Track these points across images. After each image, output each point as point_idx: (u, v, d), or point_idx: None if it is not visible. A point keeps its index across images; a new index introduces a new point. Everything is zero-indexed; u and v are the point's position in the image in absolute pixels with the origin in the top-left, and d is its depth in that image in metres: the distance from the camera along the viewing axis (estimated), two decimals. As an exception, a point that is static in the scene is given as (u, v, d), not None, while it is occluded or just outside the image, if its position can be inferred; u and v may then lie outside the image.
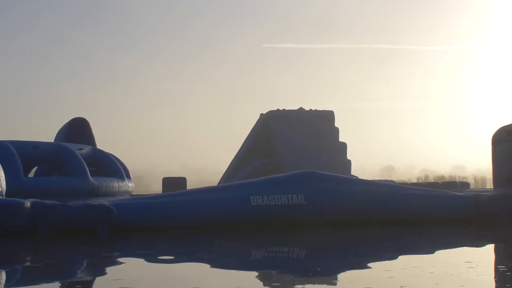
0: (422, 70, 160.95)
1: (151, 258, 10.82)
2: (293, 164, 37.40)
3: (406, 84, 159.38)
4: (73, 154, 23.58)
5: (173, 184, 32.08)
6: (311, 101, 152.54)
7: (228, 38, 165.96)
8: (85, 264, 10.46)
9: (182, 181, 33.76)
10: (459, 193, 18.25)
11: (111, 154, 26.36)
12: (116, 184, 24.86)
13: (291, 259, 11.26)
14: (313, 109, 40.55)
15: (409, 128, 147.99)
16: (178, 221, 16.15)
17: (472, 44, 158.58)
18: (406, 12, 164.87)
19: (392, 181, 33.05)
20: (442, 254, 10.90)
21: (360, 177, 39.46)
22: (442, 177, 57.88)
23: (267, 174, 26.70)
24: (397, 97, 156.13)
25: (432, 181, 47.54)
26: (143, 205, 16.44)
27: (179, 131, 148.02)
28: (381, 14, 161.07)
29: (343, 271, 9.23)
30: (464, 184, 29.18)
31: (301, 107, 40.40)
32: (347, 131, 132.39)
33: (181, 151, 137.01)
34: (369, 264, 9.47)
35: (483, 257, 10.60)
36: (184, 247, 13.30)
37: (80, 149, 24.63)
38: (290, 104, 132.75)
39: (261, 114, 40.41)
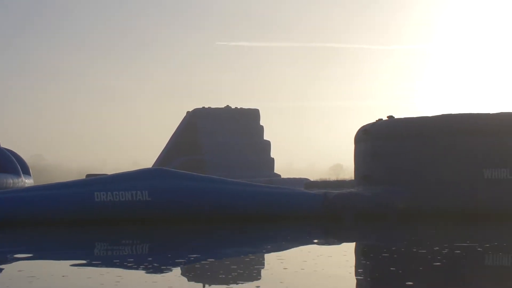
0: (370, 69, 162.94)
1: None
2: (217, 161, 37.86)
3: (352, 83, 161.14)
4: (-37, 150, 23.73)
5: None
6: (257, 99, 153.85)
7: (182, 36, 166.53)
8: None
9: (104, 177, 33.82)
10: (309, 191, 18.48)
11: (8, 150, 26.50)
12: (10, 181, 24.99)
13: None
14: (238, 107, 41.00)
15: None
16: (22, 216, 16.31)
17: (418, 44, 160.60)
18: (356, 11, 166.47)
19: (306, 179, 33.34)
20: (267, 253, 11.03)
21: (305, 176, 40.02)
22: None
23: (191, 171, 26.97)
24: (344, 96, 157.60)
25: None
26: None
27: (130, 129, 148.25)
28: (332, 13, 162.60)
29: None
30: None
31: (227, 105, 40.75)
32: (293, 130, 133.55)
33: (132, 148, 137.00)
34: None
35: (294, 255, 10.64)
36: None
37: (-27, 145, 24.79)
38: (237, 101, 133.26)
39: (188, 112, 40.80)
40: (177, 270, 8.44)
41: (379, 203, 17.25)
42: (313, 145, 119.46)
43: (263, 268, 8.49)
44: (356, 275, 7.71)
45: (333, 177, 58.22)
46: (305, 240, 13.30)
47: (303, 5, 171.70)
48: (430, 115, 17.99)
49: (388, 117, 18.55)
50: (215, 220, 16.50)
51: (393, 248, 10.84)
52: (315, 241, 13.26)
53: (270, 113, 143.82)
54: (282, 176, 37.43)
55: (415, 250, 10.43)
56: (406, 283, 7.13)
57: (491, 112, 17.63)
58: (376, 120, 18.74)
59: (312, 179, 34.88)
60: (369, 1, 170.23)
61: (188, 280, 7.68)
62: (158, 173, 17.26)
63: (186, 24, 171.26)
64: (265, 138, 41.05)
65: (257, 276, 7.70)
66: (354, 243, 12.85)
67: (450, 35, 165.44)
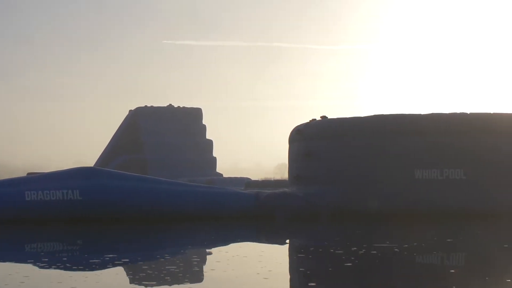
0: (315, 68, 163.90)
1: None
2: (159, 160, 37.80)
3: (297, 82, 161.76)
4: None
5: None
6: (201, 98, 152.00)
7: (128, 34, 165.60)
8: None
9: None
10: (242, 191, 18.52)
11: None
12: None
13: None
14: (181, 106, 40.98)
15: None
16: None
17: (363, 44, 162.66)
18: (301, 11, 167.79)
19: (248, 178, 33.35)
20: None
21: (250, 175, 40.06)
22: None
23: (133, 170, 26.82)
24: (289, 95, 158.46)
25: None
26: None
27: (74, 127, 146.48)
28: (278, 13, 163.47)
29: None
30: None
31: (170, 104, 40.67)
32: (238, 129, 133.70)
33: (76, 146, 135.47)
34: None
35: (211, 256, 10.70)
36: None
37: None
38: (181, 100, 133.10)
39: (130, 110, 40.64)
40: (86, 271, 8.40)
41: (311, 203, 17.34)
42: (258, 144, 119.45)
43: (174, 269, 8.47)
44: (263, 275, 7.74)
45: (278, 176, 58.40)
46: (228, 240, 13.36)
47: (249, 4, 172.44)
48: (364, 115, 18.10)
49: (321, 117, 18.65)
50: (147, 220, 16.43)
51: (311, 249, 10.92)
52: (238, 241, 13.31)
53: (214, 112, 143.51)
54: (225, 176, 37.44)
55: (332, 250, 10.52)
56: (309, 284, 7.19)
57: (423, 113, 17.80)
58: (310, 120, 18.82)
59: (255, 179, 34.92)
60: (314, 1, 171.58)
61: (94, 281, 7.64)
62: (90, 173, 17.12)
63: (132, 22, 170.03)
64: (208, 137, 41.11)
65: (164, 277, 7.70)
66: (275, 243, 12.92)
67: (394, 35, 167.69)
